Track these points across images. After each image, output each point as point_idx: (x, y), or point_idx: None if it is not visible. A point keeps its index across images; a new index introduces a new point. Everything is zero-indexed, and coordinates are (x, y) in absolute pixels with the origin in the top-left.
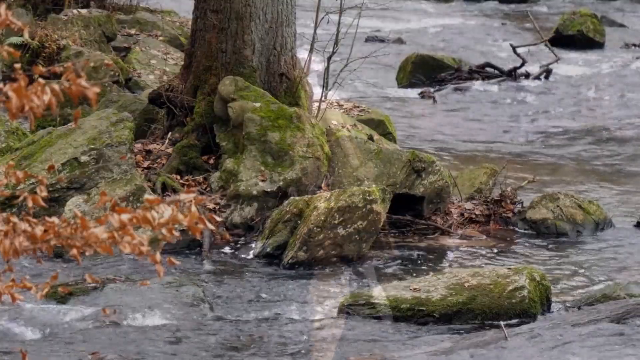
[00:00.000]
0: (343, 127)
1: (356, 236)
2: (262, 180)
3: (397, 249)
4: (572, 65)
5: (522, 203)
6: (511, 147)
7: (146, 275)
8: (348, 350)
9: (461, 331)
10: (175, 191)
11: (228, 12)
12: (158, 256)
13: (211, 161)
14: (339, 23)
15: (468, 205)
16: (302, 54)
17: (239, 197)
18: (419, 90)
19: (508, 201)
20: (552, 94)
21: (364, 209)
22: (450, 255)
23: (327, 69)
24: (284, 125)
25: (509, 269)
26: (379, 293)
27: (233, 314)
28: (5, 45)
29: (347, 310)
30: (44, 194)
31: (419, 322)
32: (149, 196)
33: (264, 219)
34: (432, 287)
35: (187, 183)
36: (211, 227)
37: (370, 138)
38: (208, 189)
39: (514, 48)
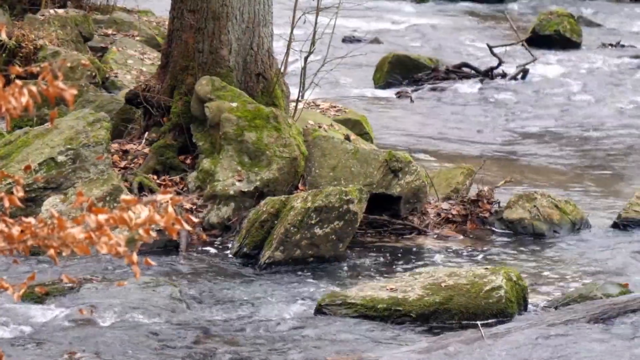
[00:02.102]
0: (320, 127)
1: (333, 236)
2: (239, 180)
3: (374, 249)
4: (549, 65)
5: (499, 203)
6: (488, 147)
7: (123, 276)
8: (324, 350)
9: (438, 331)
10: (152, 191)
11: (205, 12)
12: (135, 257)
13: (188, 161)
14: (315, 23)
15: (445, 205)
16: (279, 54)
17: (216, 197)
18: (396, 90)
19: (485, 201)
20: (529, 94)
21: (340, 209)
22: (427, 255)
23: (304, 69)
24: (260, 125)
25: (486, 268)
26: (356, 293)
27: (209, 313)
28: None
29: (323, 310)
30: (21, 194)
31: (396, 322)
32: (125, 196)
33: (241, 219)
34: (408, 287)
35: (164, 183)
36: (188, 227)
37: (347, 138)
38: (185, 189)
39: (490, 48)
